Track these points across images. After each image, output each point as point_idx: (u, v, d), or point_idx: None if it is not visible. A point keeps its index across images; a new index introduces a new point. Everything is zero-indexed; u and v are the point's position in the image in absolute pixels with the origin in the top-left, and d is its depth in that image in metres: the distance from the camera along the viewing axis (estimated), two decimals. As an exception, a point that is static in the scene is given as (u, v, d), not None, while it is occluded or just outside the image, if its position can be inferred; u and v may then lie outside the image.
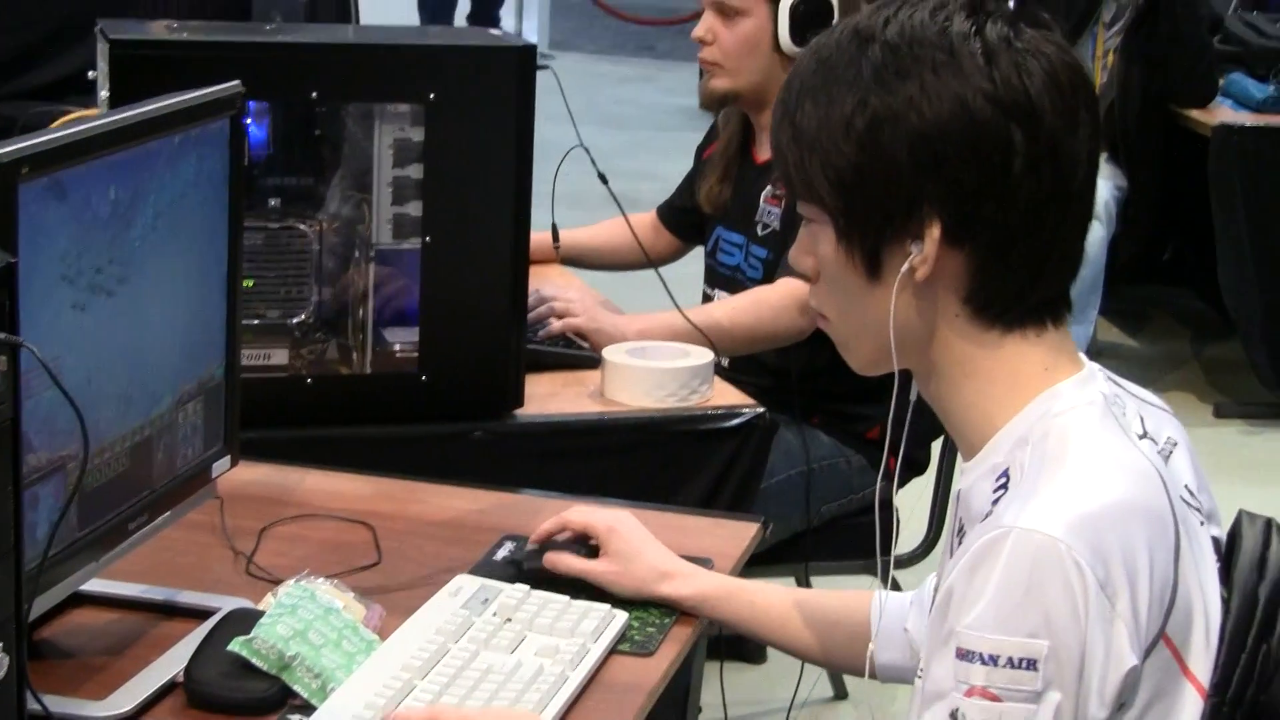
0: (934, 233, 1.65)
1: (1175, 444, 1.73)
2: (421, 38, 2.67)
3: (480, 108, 2.55)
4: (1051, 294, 1.70)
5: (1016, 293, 1.68)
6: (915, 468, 3.39)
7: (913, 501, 3.41)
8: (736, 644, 3.85)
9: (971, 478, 1.71)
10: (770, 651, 3.92)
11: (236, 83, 2.01)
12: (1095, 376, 1.72)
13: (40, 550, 1.73)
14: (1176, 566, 1.62)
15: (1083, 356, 1.74)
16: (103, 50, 2.46)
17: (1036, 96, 1.63)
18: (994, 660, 1.56)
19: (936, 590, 1.71)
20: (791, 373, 3.27)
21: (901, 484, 3.28)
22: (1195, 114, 5.59)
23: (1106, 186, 5.57)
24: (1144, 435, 1.69)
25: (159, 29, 2.68)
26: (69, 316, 1.75)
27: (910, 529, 3.45)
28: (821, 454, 3.27)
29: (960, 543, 1.68)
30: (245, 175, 2.10)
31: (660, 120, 9.29)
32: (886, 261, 1.68)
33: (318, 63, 2.52)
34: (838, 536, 3.27)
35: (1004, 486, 1.65)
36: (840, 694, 3.80)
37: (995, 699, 1.55)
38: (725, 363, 3.24)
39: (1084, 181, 1.67)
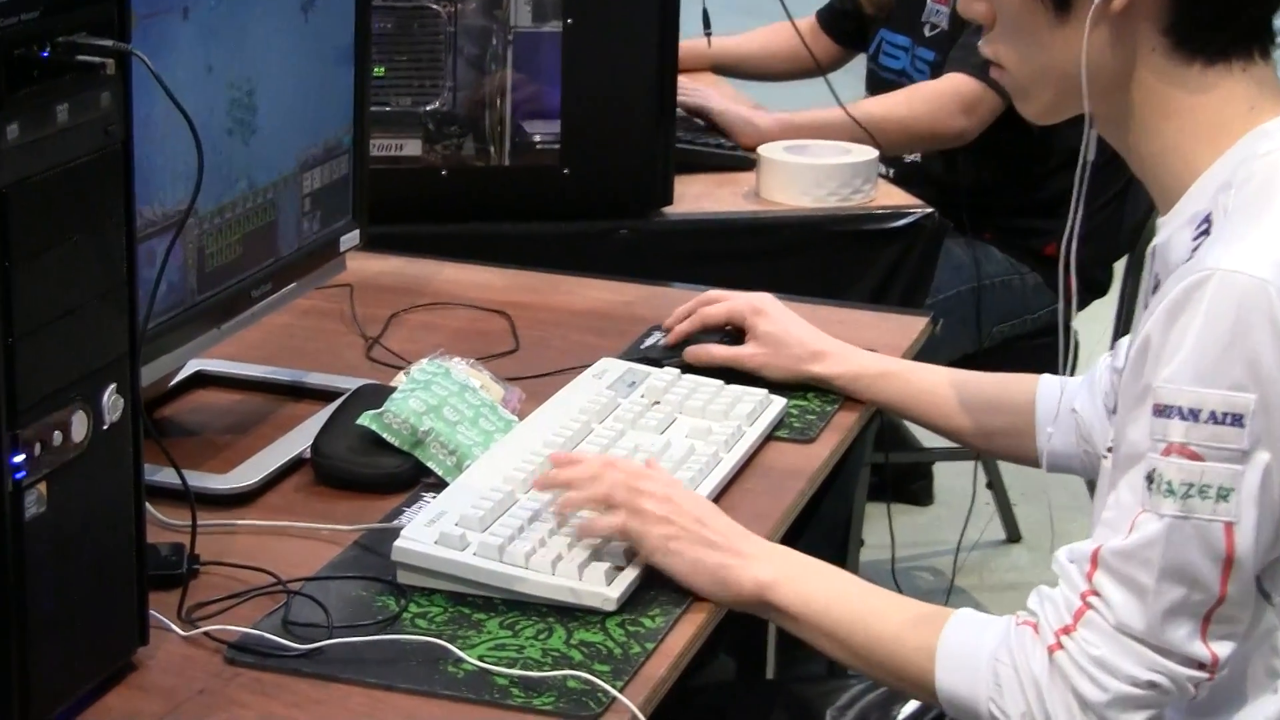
0: (1132, -46, 1.56)
1: None
2: None
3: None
4: (1257, 17, 1.60)
5: (1220, 16, 1.58)
6: (1096, 289, 3.30)
7: (1093, 327, 3.32)
8: (903, 486, 3.81)
9: (1169, 230, 1.62)
10: (939, 494, 3.87)
11: None
12: None
13: (157, 307, 1.71)
14: None
15: (1294, 97, 1.65)
16: None
17: None
18: (1194, 415, 1.47)
19: (1127, 355, 1.63)
20: (960, 185, 3.19)
21: (1081, 306, 3.20)
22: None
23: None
24: None
25: None
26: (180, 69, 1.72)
27: (1090, 358, 3.36)
28: (993, 271, 3.19)
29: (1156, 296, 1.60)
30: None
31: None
32: (1076, -6, 1.59)
33: None
34: (1010, 360, 3.16)
35: (1205, 232, 1.57)
36: (1013, 537, 3.74)
37: (1196, 457, 1.47)
38: (889, 174, 3.16)
39: None
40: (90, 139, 1.34)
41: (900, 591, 3.15)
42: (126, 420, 1.41)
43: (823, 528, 2.66)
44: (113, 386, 1.39)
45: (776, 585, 1.60)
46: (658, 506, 1.63)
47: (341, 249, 2.03)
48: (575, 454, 1.74)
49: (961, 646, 1.53)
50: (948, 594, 3.43)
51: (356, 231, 2.05)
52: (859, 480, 2.79)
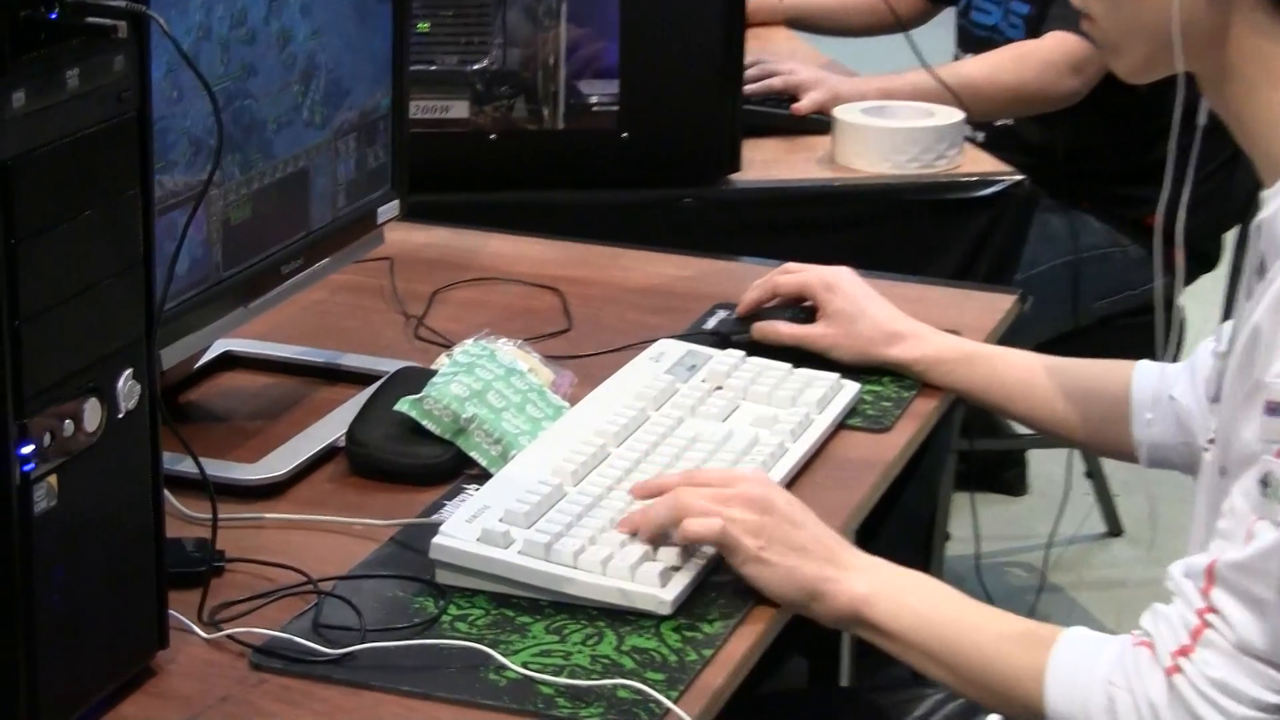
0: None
1: None
2: None
3: None
4: None
5: (1327, -30, 1.57)
6: (1205, 262, 3.27)
7: (1200, 304, 3.29)
8: (994, 475, 3.79)
9: (1276, 204, 1.61)
10: (1033, 483, 3.85)
11: None
12: None
13: (179, 285, 1.72)
14: None
15: None
16: None
17: None
18: (1312, 413, 1.46)
19: (1231, 342, 1.62)
20: (1058, 149, 3.17)
21: (1188, 281, 3.18)
22: None
23: None
24: None
25: None
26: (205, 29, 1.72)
27: (1198, 338, 3.33)
28: (1092, 242, 3.17)
29: (1262, 280, 1.58)
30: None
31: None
32: (1170, -57, 1.58)
33: None
34: (1110, 339, 3.16)
35: (1315, 206, 1.55)
36: (1114, 530, 3.71)
37: (1314, 460, 1.45)
38: (980, 138, 3.15)
39: None
40: (102, 107, 1.34)
41: (987, 589, 3.15)
42: (144, 408, 1.42)
43: (903, 521, 2.65)
44: (128, 372, 1.39)
45: (871, 601, 1.59)
46: (749, 513, 1.61)
47: (379, 221, 2.03)
48: (653, 481, 1.70)
49: (1073, 668, 1.52)
50: (1039, 592, 3.41)
51: (395, 202, 2.05)
52: (944, 470, 2.79)
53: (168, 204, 1.67)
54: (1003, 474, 3.85)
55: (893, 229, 2.68)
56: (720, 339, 2.07)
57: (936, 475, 2.77)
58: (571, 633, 1.55)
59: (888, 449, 1.91)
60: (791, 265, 2.10)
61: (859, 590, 1.59)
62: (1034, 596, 3.40)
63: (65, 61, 1.30)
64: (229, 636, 1.52)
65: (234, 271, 1.81)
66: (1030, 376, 1.98)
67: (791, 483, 1.80)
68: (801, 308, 2.06)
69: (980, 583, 3.16)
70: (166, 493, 1.61)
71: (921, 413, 1.98)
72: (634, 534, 1.62)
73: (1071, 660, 1.52)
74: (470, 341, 1.93)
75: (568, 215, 2.55)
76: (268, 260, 1.86)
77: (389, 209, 2.04)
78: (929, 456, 2.57)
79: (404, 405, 1.81)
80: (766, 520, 1.60)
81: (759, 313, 2.08)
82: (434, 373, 1.86)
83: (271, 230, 1.86)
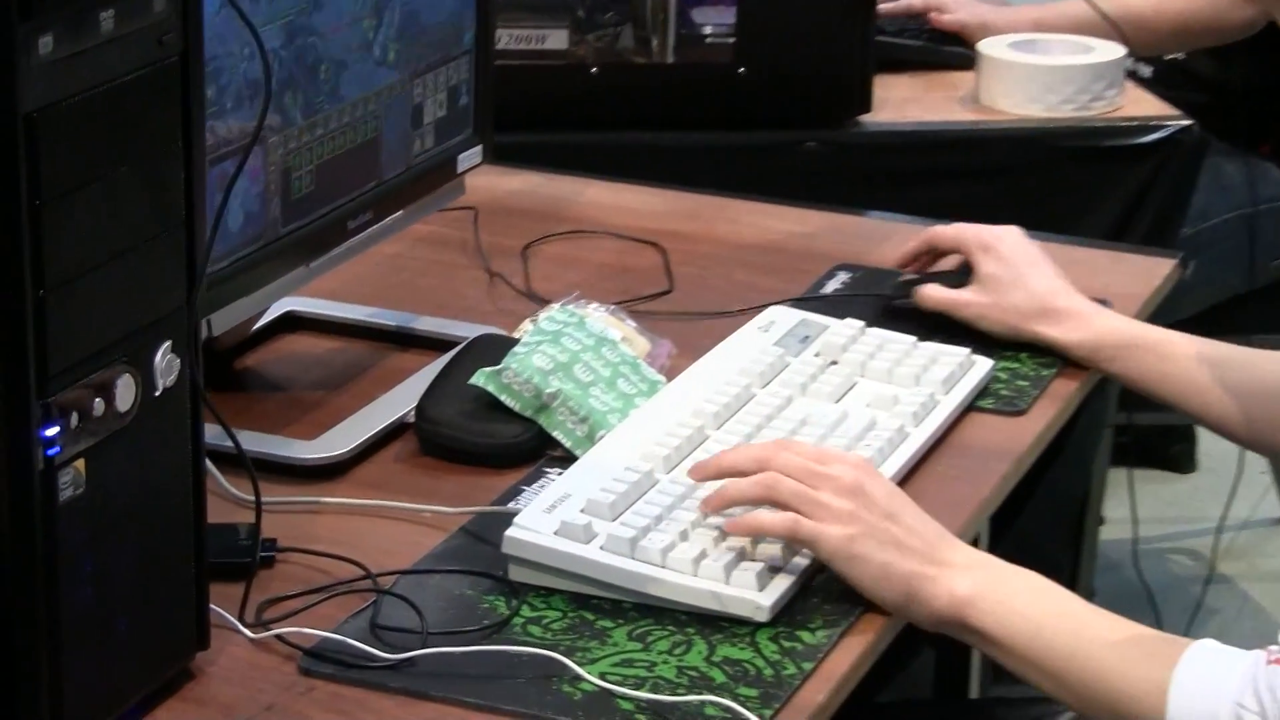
0: None
1: None
2: None
3: None
4: None
5: None
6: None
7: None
8: (1160, 449, 3.76)
9: None
10: (1202, 460, 3.82)
11: None
12: None
13: (232, 243, 1.73)
14: None
15: None
16: None
17: None
18: None
19: None
20: (1235, 86, 3.13)
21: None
22: None
23: None
24: None
25: None
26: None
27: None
28: (1272, 193, 3.13)
29: None
30: None
31: None
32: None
33: None
34: (1290, 303, 3.14)
35: None
36: (1293, 515, 3.68)
37: None
38: (1147, 72, 3.12)
39: None
40: (140, 52, 1.34)
41: (1145, 579, 3.12)
42: (185, 384, 1.42)
43: (1051, 501, 2.63)
44: (167, 345, 1.39)
45: (974, 603, 1.57)
46: (840, 499, 1.59)
47: (459, 170, 2.04)
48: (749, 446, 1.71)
49: (1200, 686, 1.50)
50: (1206, 583, 3.38)
51: (479, 148, 2.05)
52: (1098, 444, 2.76)
53: (220, 153, 1.67)
54: (1169, 449, 3.82)
55: (1041, 180, 2.67)
56: (885, 304, 2.06)
57: (1089, 450, 2.75)
58: (657, 640, 1.54)
59: (1023, 434, 1.89)
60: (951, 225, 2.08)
61: (960, 591, 1.57)
62: (1200, 588, 3.37)
63: (99, 2, 1.30)
64: (277, 637, 1.53)
65: (294, 227, 1.81)
66: (1192, 367, 1.95)
67: (912, 472, 1.79)
68: (962, 271, 2.04)
69: (1138, 571, 3.13)
70: (216, 473, 1.63)
71: (1062, 394, 1.96)
72: (714, 512, 1.62)
73: (1198, 676, 1.50)
74: (557, 307, 1.92)
75: (675, 160, 2.55)
76: (333, 214, 1.86)
77: (470, 156, 2.04)
78: (1078, 431, 2.55)
79: (481, 378, 1.81)
80: (858, 509, 1.58)
81: (918, 278, 2.07)
82: (515, 341, 1.86)
83: (338, 181, 1.87)
